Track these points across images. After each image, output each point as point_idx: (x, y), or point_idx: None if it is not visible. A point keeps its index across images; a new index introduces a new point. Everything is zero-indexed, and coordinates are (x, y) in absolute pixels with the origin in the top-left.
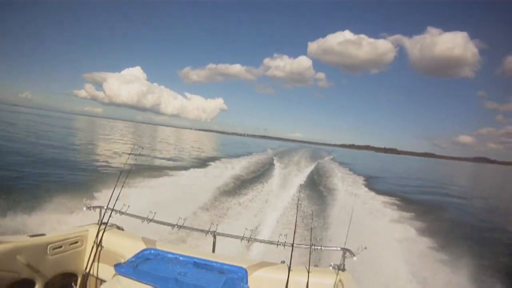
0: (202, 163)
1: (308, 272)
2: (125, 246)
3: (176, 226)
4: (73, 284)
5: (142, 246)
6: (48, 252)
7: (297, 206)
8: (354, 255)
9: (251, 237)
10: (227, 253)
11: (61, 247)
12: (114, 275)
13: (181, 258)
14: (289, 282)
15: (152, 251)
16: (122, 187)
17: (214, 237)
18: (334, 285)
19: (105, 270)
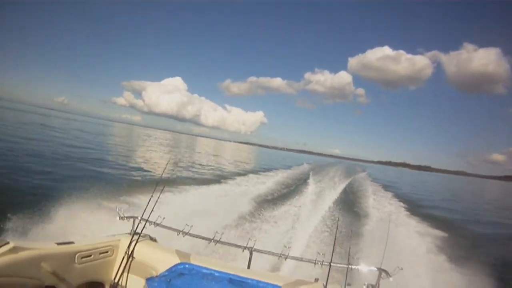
0: (239, 175)
1: None
2: (158, 259)
3: (212, 240)
4: None
5: (176, 260)
6: (76, 260)
7: (337, 224)
8: (390, 276)
9: (288, 254)
10: (259, 267)
11: (90, 256)
12: None
13: (216, 274)
14: None
15: (187, 266)
16: (158, 197)
17: (251, 253)
18: None
19: (135, 282)
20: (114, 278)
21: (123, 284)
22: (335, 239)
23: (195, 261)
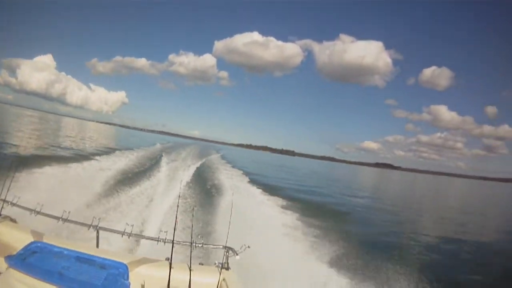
0: (96, 156)
1: (190, 270)
2: (16, 239)
3: (61, 219)
4: None
5: (30, 239)
6: None
7: (178, 202)
8: (237, 254)
9: (132, 232)
10: (113, 248)
11: None
12: (7, 268)
13: (65, 252)
14: (170, 279)
15: (39, 244)
16: (13, 177)
17: (97, 232)
18: (218, 284)
19: None
20: None
21: None
22: (176, 217)
23: (47, 240)
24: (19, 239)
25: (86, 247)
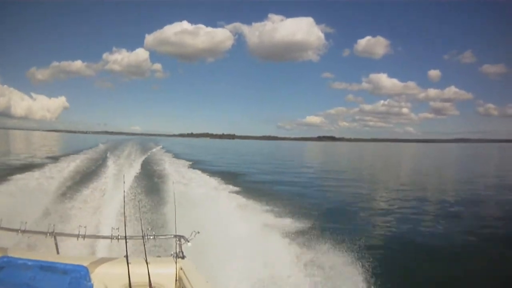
0: (41, 166)
1: (147, 263)
2: None
3: (19, 231)
4: None
5: None
6: None
7: (123, 198)
8: (188, 241)
9: (86, 234)
10: (74, 251)
11: None
12: None
13: (29, 263)
14: (130, 275)
15: (5, 259)
16: None
17: (55, 238)
18: (176, 274)
19: None
20: None
21: None
22: (124, 213)
23: (11, 253)
24: None
25: (47, 255)
